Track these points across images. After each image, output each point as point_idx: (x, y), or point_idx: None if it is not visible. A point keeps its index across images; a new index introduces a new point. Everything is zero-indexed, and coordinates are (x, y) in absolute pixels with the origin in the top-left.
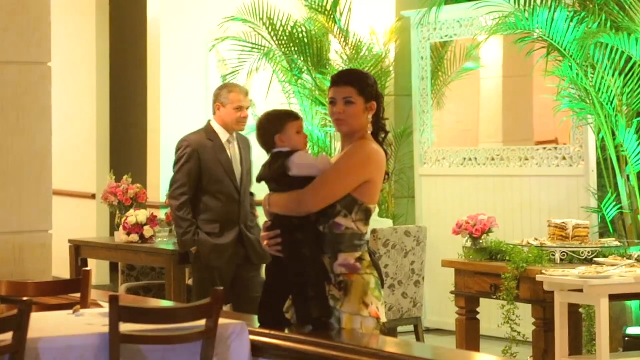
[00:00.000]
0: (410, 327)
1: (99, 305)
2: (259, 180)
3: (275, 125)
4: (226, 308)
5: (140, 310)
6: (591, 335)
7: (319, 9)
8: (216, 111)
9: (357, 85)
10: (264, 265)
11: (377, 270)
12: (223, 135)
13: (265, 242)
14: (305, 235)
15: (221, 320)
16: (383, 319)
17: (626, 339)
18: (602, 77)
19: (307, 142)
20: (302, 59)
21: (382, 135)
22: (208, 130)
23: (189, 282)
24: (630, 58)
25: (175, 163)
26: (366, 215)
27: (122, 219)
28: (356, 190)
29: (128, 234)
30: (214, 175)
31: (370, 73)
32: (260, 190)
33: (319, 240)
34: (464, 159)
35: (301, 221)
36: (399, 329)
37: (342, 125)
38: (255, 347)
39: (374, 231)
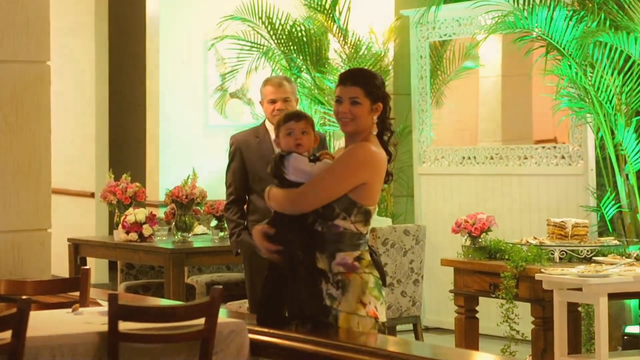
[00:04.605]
0: (410, 326)
1: (98, 304)
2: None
3: (276, 128)
4: None
5: (140, 309)
6: (590, 334)
7: (318, 8)
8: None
9: (364, 86)
10: None
11: (378, 269)
12: (273, 132)
13: (263, 251)
14: (298, 236)
15: (220, 319)
16: (382, 319)
17: (625, 337)
18: (602, 76)
19: (304, 142)
20: (301, 58)
21: (388, 135)
22: (259, 127)
23: (188, 281)
24: (630, 57)
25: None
26: (366, 216)
27: (121, 218)
28: (354, 193)
29: (127, 232)
30: (257, 173)
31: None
32: None
33: (313, 240)
34: (463, 158)
35: (293, 221)
36: (398, 327)
37: (347, 125)
38: (255, 346)
39: (373, 230)
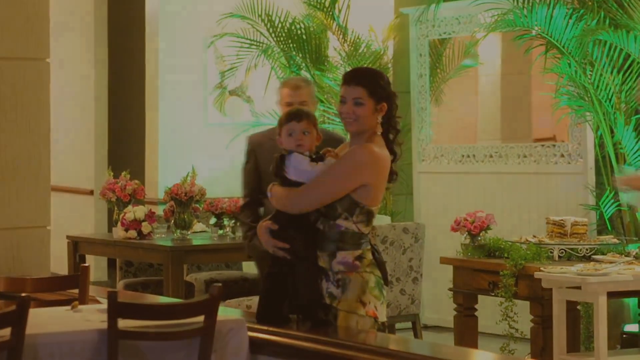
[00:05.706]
0: (409, 324)
1: (98, 302)
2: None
3: (278, 127)
4: None
5: (139, 307)
6: (589, 333)
7: (318, 6)
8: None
9: (368, 86)
10: None
11: (380, 269)
12: None
13: (270, 247)
14: (299, 233)
15: (220, 317)
16: (382, 318)
17: (624, 336)
18: (601, 75)
19: (305, 143)
20: (300, 55)
21: (393, 134)
22: (276, 129)
23: (187, 278)
24: (629, 55)
25: None
26: (368, 217)
27: (121, 215)
28: (356, 194)
29: (126, 230)
30: (269, 176)
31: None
32: None
33: (314, 238)
34: (463, 156)
35: (296, 219)
36: (397, 326)
37: (350, 125)
38: (254, 344)
39: (372, 228)
